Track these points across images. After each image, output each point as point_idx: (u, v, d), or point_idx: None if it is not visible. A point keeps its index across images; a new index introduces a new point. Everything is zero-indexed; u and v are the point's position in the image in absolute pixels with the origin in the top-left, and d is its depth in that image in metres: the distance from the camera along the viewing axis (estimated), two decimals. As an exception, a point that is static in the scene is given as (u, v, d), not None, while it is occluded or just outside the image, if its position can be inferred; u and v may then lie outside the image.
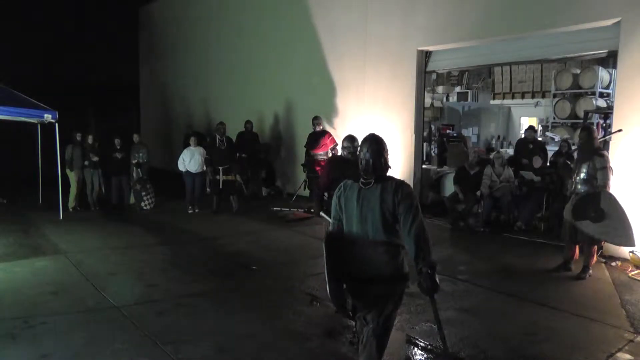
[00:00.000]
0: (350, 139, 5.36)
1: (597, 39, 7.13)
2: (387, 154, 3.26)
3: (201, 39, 14.74)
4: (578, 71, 10.93)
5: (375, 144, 3.23)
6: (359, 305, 3.20)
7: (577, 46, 7.55)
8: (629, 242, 5.58)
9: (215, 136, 9.51)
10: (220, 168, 9.34)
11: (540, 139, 10.67)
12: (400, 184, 3.13)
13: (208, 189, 9.61)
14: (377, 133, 3.39)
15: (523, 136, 10.51)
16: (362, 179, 3.18)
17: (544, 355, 3.97)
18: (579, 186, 5.83)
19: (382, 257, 3.09)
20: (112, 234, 7.97)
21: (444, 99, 13.99)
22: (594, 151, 5.77)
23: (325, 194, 5.28)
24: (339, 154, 5.46)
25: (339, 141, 9.68)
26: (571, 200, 5.90)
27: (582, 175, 5.80)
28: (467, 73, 13.99)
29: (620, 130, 6.38)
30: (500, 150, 11.28)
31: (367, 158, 3.17)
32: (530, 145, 8.99)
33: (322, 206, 5.32)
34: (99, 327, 4.35)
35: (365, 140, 3.29)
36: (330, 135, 9.82)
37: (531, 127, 9.76)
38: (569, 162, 7.33)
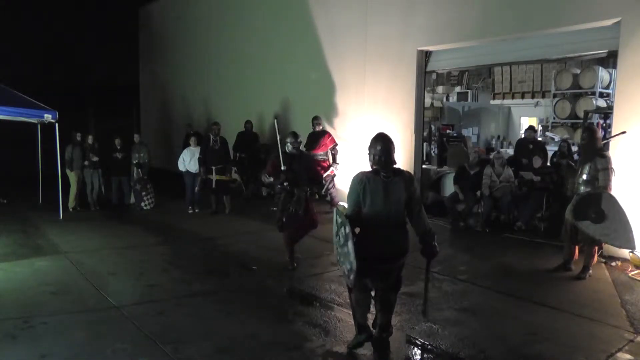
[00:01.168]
0: (294, 135, 6.03)
1: (597, 39, 7.13)
2: (394, 150, 3.83)
3: (201, 39, 14.74)
4: (578, 71, 10.94)
5: (387, 142, 3.79)
6: (377, 275, 3.84)
7: (577, 46, 7.54)
8: (630, 244, 5.56)
9: (210, 136, 9.51)
10: (213, 168, 9.33)
11: (540, 139, 10.66)
12: (412, 177, 3.89)
13: (197, 188, 9.58)
14: (384, 132, 3.94)
15: (523, 136, 10.51)
16: (382, 173, 3.74)
17: (544, 355, 3.97)
18: (581, 187, 5.81)
19: (402, 236, 3.78)
20: (112, 234, 7.97)
21: (444, 99, 13.99)
22: (595, 152, 5.75)
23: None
24: (286, 149, 6.02)
25: (334, 141, 9.77)
26: (572, 200, 5.89)
27: (584, 176, 5.77)
28: (467, 73, 14.00)
29: (624, 132, 6.36)
30: (500, 150, 11.28)
31: (380, 154, 3.75)
32: (530, 145, 8.98)
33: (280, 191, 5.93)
34: (99, 327, 4.35)
35: (377, 139, 3.83)
36: (330, 135, 9.81)
37: (531, 127, 9.75)
38: (573, 164, 7.33)
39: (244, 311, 4.79)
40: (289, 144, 5.92)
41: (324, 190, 9.67)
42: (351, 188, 3.82)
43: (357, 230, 3.75)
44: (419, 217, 3.79)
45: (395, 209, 3.73)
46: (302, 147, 6.06)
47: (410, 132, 9.19)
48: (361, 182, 3.75)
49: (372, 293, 3.99)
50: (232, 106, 13.23)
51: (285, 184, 5.87)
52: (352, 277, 3.61)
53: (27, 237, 7.63)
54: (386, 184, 3.72)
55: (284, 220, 5.92)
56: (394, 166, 3.81)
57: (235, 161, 10.71)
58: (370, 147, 3.83)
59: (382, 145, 3.75)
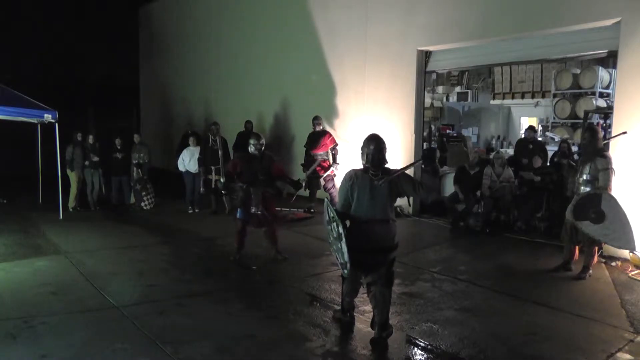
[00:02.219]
0: (257, 136, 6.27)
1: (597, 39, 7.13)
2: (386, 150, 4.04)
3: (201, 39, 14.73)
4: (578, 71, 10.93)
5: (378, 142, 4.01)
6: (365, 269, 4.03)
7: (577, 46, 7.54)
8: (629, 245, 5.55)
9: (209, 136, 9.50)
10: (213, 168, 9.33)
11: (540, 139, 10.67)
12: (402, 177, 4.01)
13: (202, 189, 9.61)
14: (377, 133, 4.16)
15: (523, 136, 10.51)
16: (371, 171, 3.97)
17: (544, 355, 3.97)
18: (582, 187, 5.80)
19: (388, 232, 3.99)
20: (112, 234, 7.97)
21: (444, 99, 14.00)
22: (596, 152, 5.74)
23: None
24: (250, 150, 6.24)
25: (334, 141, 9.77)
26: (573, 200, 5.89)
27: (585, 176, 5.76)
28: (467, 73, 13.99)
29: (625, 133, 6.35)
30: (500, 150, 11.28)
31: (372, 154, 3.97)
32: (530, 145, 8.98)
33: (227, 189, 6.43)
34: (99, 327, 4.35)
35: (370, 139, 4.05)
36: (331, 135, 9.81)
37: (531, 127, 9.75)
38: (573, 164, 7.33)
39: (244, 311, 4.79)
40: (251, 145, 6.17)
41: (324, 190, 9.68)
42: (341, 184, 4.11)
43: (348, 223, 3.97)
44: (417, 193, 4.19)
45: (381, 205, 3.95)
46: (263, 149, 6.30)
47: (410, 132, 9.19)
48: (350, 178, 4.02)
49: (369, 288, 4.13)
50: (232, 106, 13.22)
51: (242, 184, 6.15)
52: (345, 270, 3.95)
53: (27, 237, 7.62)
54: (373, 182, 3.94)
55: (237, 213, 6.26)
56: (386, 166, 4.03)
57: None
58: (363, 147, 4.06)
59: (374, 145, 3.99)
